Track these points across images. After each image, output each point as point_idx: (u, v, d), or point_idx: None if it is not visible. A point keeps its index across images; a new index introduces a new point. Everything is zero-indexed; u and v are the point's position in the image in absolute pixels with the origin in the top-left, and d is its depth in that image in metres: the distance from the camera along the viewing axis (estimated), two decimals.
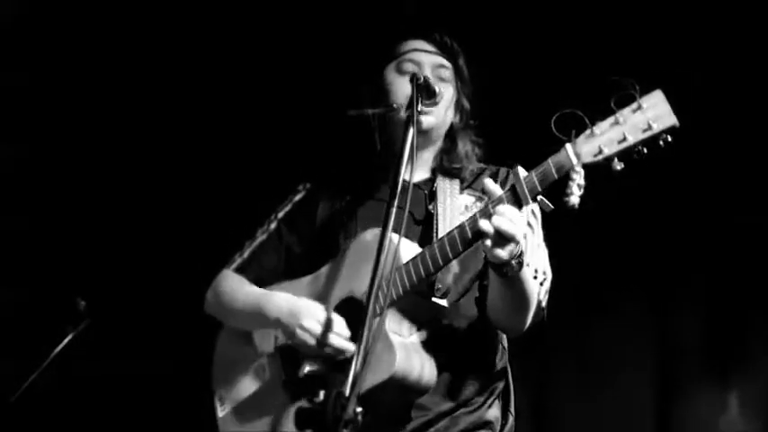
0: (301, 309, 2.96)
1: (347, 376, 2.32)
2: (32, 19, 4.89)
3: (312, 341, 2.90)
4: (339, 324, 2.89)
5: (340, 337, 2.88)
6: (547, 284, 2.99)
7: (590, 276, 4.53)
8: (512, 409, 3.13)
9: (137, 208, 4.93)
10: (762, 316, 4.59)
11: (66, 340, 3.98)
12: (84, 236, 4.92)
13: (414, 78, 2.88)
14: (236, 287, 3.21)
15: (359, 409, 2.26)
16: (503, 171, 3.16)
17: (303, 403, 2.86)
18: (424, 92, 2.90)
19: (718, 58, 4.39)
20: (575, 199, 2.53)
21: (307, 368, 2.94)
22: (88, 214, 4.92)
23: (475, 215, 2.71)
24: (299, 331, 2.92)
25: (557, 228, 3.05)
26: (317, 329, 2.89)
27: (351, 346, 2.83)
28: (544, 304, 2.98)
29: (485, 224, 2.63)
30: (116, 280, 4.82)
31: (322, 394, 2.32)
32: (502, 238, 2.63)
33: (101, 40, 4.90)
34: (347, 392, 2.28)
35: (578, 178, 2.54)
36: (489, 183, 2.71)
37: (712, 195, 4.53)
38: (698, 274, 4.59)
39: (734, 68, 4.40)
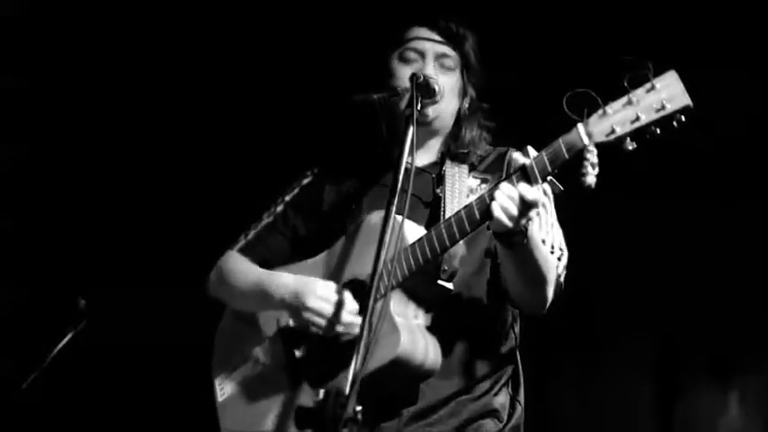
0: (308, 286, 2.91)
1: (347, 365, 2.30)
2: (32, 19, 4.89)
3: (319, 320, 2.86)
4: (349, 301, 2.86)
5: (351, 314, 2.84)
6: (564, 260, 2.97)
7: (590, 275, 4.52)
8: (520, 399, 3.08)
9: (137, 206, 4.92)
10: (762, 316, 4.59)
11: (65, 340, 3.97)
12: (85, 235, 4.92)
13: (413, 78, 2.88)
14: (240, 267, 3.17)
15: (358, 408, 2.25)
16: (511, 152, 3.10)
17: (304, 399, 2.91)
18: (425, 90, 2.91)
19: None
20: (591, 179, 2.49)
21: (302, 351, 2.91)
22: (88, 214, 4.92)
23: (483, 196, 2.68)
24: (305, 311, 2.88)
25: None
26: (325, 307, 2.85)
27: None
28: (562, 279, 2.96)
29: (500, 195, 2.58)
30: (116, 278, 4.81)
31: (322, 393, 2.31)
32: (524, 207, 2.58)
33: (100, 40, 4.90)
34: (347, 391, 2.27)
35: (592, 157, 2.50)
36: (517, 155, 2.67)
37: (711, 194, 4.53)
38: (698, 273, 4.58)
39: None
